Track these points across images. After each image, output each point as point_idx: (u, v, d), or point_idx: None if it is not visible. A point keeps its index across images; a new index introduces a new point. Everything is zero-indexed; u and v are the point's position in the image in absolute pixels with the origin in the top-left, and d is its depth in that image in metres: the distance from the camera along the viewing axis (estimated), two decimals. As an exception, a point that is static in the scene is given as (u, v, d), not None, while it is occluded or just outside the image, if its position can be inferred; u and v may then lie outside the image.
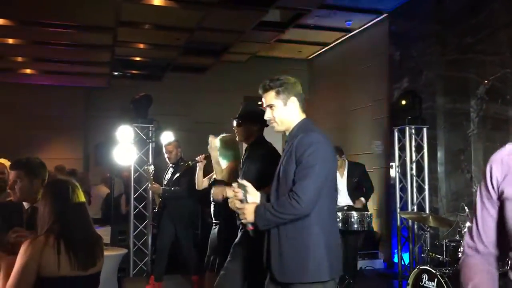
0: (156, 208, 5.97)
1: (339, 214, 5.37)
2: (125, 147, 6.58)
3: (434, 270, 3.87)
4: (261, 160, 3.20)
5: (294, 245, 2.31)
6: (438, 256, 4.26)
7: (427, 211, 5.82)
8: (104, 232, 6.43)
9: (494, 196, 1.38)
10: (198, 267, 5.58)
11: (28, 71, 8.10)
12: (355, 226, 5.31)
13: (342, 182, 5.96)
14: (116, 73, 8.48)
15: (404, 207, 6.23)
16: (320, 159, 2.31)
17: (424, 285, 3.96)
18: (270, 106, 2.44)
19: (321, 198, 2.30)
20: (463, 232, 4.04)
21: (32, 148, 8.59)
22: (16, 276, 2.19)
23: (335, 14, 7.52)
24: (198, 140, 7.97)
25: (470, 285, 1.42)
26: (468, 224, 3.96)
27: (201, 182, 4.45)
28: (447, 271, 3.90)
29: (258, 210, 2.35)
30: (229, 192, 2.49)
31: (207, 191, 4.34)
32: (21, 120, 8.95)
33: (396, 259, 6.63)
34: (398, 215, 6.20)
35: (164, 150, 5.79)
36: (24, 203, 2.91)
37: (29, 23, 5.92)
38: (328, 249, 2.32)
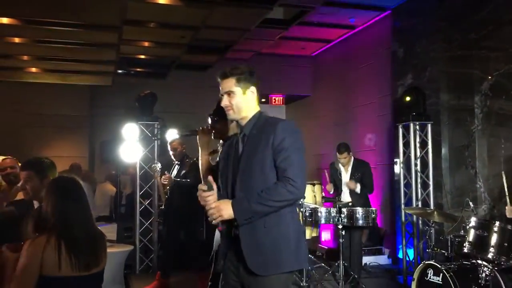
0: (163, 205, 6.01)
1: (344, 210, 5.41)
2: (130, 145, 6.63)
3: (440, 265, 3.91)
4: None
5: (273, 235, 2.28)
6: (443, 251, 4.29)
7: (432, 207, 5.85)
8: (111, 229, 6.48)
9: None
10: (204, 263, 5.62)
11: (33, 69, 8.14)
12: (360, 222, 5.35)
13: (346, 178, 6.01)
14: (120, 71, 8.51)
15: (408, 203, 6.26)
16: (302, 146, 2.35)
17: (430, 280, 3.99)
18: (229, 93, 2.39)
19: None
20: (467, 227, 4.07)
21: (37, 146, 8.67)
22: (18, 275, 2.21)
23: (339, 11, 7.54)
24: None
25: None
26: (473, 218, 3.99)
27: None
28: (453, 266, 3.93)
29: (237, 204, 2.27)
30: (199, 192, 2.39)
31: None
32: (26, 119, 9.01)
33: (400, 255, 6.65)
34: (403, 211, 6.22)
35: (169, 148, 5.83)
36: (34, 202, 2.97)
37: (34, 22, 5.95)
38: (302, 236, 2.40)
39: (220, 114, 3.23)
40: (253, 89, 2.43)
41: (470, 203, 4.09)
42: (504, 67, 5.69)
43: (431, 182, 6.18)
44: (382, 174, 7.57)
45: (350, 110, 8.81)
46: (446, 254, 4.21)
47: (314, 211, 5.56)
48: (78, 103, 9.39)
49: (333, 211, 5.41)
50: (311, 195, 6.43)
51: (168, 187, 5.78)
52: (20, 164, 3.48)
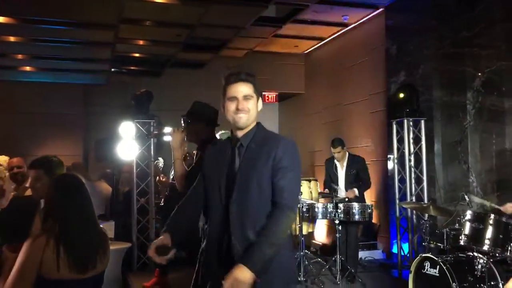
0: (162, 202, 6.05)
1: (341, 205, 5.50)
2: (127, 143, 6.66)
3: (436, 258, 4.00)
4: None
5: (282, 252, 2.21)
6: (439, 244, 4.39)
7: (426, 202, 5.96)
8: (108, 227, 6.50)
9: None
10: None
11: (27, 68, 8.13)
12: (357, 217, 5.45)
13: (342, 173, 6.10)
14: (115, 70, 8.52)
15: (402, 198, 6.37)
16: (300, 167, 2.31)
17: (427, 272, 4.09)
18: (248, 97, 2.24)
19: None
20: (463, 220, 4.18)
21: (32, 145, 8.65)
22: (15, 274, 2.19)
23: (332, 9, 7.62)
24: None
25: None
26: (469, 211, 4.10)
27: None
28: (449, 258, 4.03)
29: (251, 262, 2.04)
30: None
31: None
32: (20, 117, 8.98)
33: (394, 250, 6.77)
34: (397, 206, 6.33)
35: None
36: (42, 201, 2.99)
37: (30, 21, 5.96)
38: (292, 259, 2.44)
39: (194, 116, 3.27)
40: (260, 101, 2.33)
41: (466, 197, 4.20)
42: (495, 64, 5.80)
43: (424, 177, 6.29)
44: (376, 170, 7.67)
45: (343, 107, 8.91)
46: (442, 247, 4.31)
47: (311, 207, 5.65)
48: (72, 102, 9.37)
49: (330, 206, 5.50)
50: (307, 191, 6.50)
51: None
52: (28, 167, 3.50)
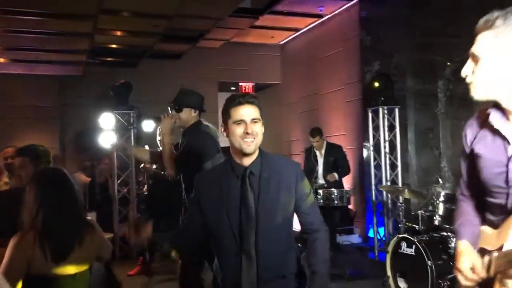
0: (145, 191, 6.10)
1: (320, 191, 5.69)
2: (107, 134, 6.68)
3: (412, 238, 4.22)
4: (197, 147, 3.18)
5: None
6: (414, 225, 4.62)
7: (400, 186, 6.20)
8: (90, 218, 6.53)
9: (471, 154, 1.67)
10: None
11: (1, 60, 7.99)
12: (336, 202, 5.65)
13: (320, 161, 6.29)
14: (92, 61, 8.46)
15: (378, 184, 6.60)
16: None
17: (403, 252, 4.31)
18: (257, 120, 2.07)
19: None
20: (436, 202, 4.41)
21: (7, 137, 8.50)
22: (2, 272, 2.13)
23: (308, 1, 7.76)
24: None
25: (457, 222, 1.75)
26: (443, 192, 4.33)
27: None
28: (424, 238, 4.26)
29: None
30: None
31: None
32: (-6, 110, 8.84)
33: (371, 234, 7.02)
34: (373, 191, 6.56)
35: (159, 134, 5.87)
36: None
37: (5, 11, 5.88)
38: None
39: (181, 102, 3.32)
40: (263, 126, 2.15)
41: (440, 180, 4.42)
42: (465, 53, 6.03)
43: (399, 163, 6.53)
44: (352, 158, 7.89)
45: (320, 96, 9.09)
46: (417, 228, 4.54)
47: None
48: (47, 93, 9.26)
49: (310, 192, 5.67)
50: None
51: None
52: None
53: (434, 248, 4.09)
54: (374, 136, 6.73)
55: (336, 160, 6.34)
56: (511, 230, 1.45)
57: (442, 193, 4.33)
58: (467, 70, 1.57)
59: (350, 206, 7.37)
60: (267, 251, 2.06)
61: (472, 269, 1.51)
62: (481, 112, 1.64)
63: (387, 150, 6.61)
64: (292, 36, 9.90)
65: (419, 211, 4.62)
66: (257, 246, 2.05)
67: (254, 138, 2.05)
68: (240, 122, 2.05)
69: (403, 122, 6.62)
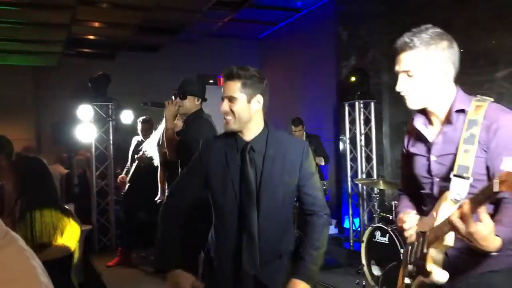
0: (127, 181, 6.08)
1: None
2: (85, 126, 6.66)
3: (386, 227, 4.38)
4: (198, 129, 3.29)
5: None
6: (388, 215, 4.78)
7: (375, 178, 6.38)
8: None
9: (406, 155, 1.96)
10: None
11: (-26, 50, 7.86)
12: (313, 193, 5.76)
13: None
14: (68, 52, 8.37)
15: (354, 176, 6.78)
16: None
17: (378, 240, 4.47)
18: (230, 98, 2.04)
19: None
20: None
21: (-19, 129, 8.39)
22: None
23: (286, -6, 7.85)
24: (152, 119, 8.14)
25: (398, 208, 2.05)
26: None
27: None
28: (397, 227, 4.42)
29: (307, 277, 2.05)
30: None
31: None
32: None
33: (346, 225, 7.19)
34: (349, 183, 6.73)
35: (140, 128, 5.86)
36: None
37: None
38: None
39: (185, 91, 3.44)
40: (259, 98, 2.08)
41: (400, 185, 4.57)
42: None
43: (374, 156, 6.71)
44: (328, 150, 8.02)
45: (297, 90, 9.21)
46: (391, 217, 4.70)
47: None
48: (21, 84, 9.10)
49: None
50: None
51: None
52: None
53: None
54: (350, 130, 6.89)
55: (316, 150, 6.47)
56: (438, 211, 1.67)
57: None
58: (401, 87, 1.79)
59: (326, 198, 7.52)
60: (268, 231, 2.06)
61: (406, 217, 1.83)
62: (411, 120, 1.91)
63: (363, 143, 6.78)
64: (271, 30, 9.97)
65: (393, 202, 4.78)
66: (259, 225, 2.04)
67: (231, 117, 2.03)
68: (222, 99, 2.06)
69: (378, 116, 6.80)
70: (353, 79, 6.63)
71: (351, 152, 6.87)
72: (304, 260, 2.07)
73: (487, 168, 1.66)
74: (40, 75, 9.25)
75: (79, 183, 8.36)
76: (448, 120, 1.75)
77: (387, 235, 4.35)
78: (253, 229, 2.04)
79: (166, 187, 4.64)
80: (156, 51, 9.30)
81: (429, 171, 1.80)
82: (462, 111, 1.72)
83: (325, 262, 5.45)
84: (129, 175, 5.73)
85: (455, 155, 1.68)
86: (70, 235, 2.42)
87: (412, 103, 1.79)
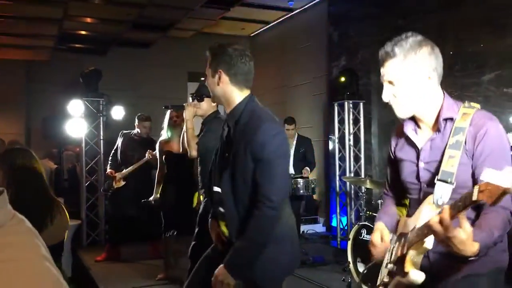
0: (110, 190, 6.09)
1: (286, 181, 5.87)
2: (75, 121, 6.67)
3: (372, 225, 4.45)
4: (216, 135, 3.35)
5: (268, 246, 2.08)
6: (374, 214, 4.86)
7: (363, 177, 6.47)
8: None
9: (393, 158, 1.97)
10: (154, 234, 5.91)
11: (-35, 43, 7.82)
12: (301, 191, 5.85)
13: (291, 151, 6.48)
14: (60, 47, 8.36)
15: (342, 175, 6.85)
16: (282, 153, 2.09)
17: (363, 238, 4.55)
18: (204, 75, 2.21)
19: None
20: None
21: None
22: None
23: (278, -6, 7.91)
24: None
25: (380, 213, 2.05)
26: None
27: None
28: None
29: (233, 267, 2.03)
30: None
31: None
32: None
33: (334, 223, 7.28)
34: (337, 182, 6.82)
35: (141, 125, 5.78)
36: None
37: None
38: (293, 240, 2.21)
39: (202, 94, 3.58)
40: (221, 72, 2.10)
41: (385, 187, 4.66)
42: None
43: (362, 156, 6.80)
44: (318, 150, 8.12)
45: (288, 89, 9.28)
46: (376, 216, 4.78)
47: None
48: (12, 79, 9.07)
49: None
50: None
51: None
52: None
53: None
54: (339, 129, 6.97)
55: (305, 152, 6.54)
56: (421, 214, 1.71)
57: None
58: (386, 96, 1.80)
59: (315, 197, 7.62)
60: (229, 205, 2.08)
61: (381, 239, 1.83)
62: (400, 124, 1.93)
63: (352, 142, 6.87)
64: (262, 29, 10.03)
65: (379, 200, 4.87)
66: (223, 203, 2.11)
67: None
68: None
69: (367, 116, 6.89)
70: (342, 79, 6.71)
71: (339, 151, 6.95)
72: (234, 247, 2.06)
73: (473, 174, 1.68)
74: (32, 70, 9.22)
75: (68, 178, 8.37)
76: (436, 128, 1.77)
77: (373, 233, 4.43)
78: (213, 197, 2.22)
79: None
80: (148, 47, 9.32)
81: (418, 177, 1.81)
82: (450, 119, 1.73)
83: (312, 259, 5.60)
84: (125, 171, 5.73)
85: (440, 160, 1.71)
86: (60, 223, 2.48)
87: (399, 112, 1.80)
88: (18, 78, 9.15)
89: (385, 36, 6.79)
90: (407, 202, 2.02)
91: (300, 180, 5.87)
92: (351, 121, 6.85)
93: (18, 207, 2.14)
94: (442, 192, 1.65)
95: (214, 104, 3.57)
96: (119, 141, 5.86)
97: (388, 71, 1.77)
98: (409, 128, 1.85)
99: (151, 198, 4.81)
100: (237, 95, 2.14)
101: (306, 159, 6.51)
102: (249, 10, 8.58)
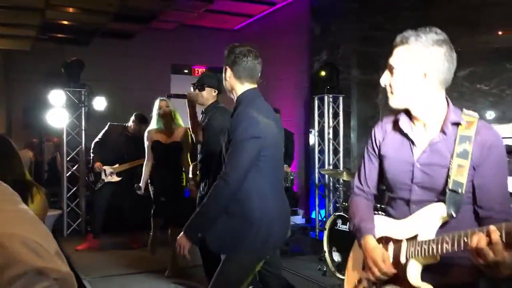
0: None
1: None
2: (57, 111, 6.67)
3: (347, 215, 4.59)
4: (220, 116, 3.62)
5: (235, 219, 2.37)
6: (350, 205, 4.99)
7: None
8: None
9: (376, 152, 1.87)
10: (136, 226, 5.99)
11: None
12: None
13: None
14: (41, 37, 8.30)
15: (321, 168, 6.98)
16: (247, 135, 2.33)
17: (339, 228, 4.68)
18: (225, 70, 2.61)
19: (257, 172, 2.35)
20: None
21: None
22: None
23: (262, -12, 7.96)
24: (124, 106, 8.19)
25: (356, 219, 1.87)
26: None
27: None
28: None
29: (187, 231, 2.38)
30: None
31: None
32: None
33: (313, 215, 7.42)
34: (317, 174, 6.95)
35: (137, 126, 5.72)
36: None
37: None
38: (270, 222, 2.38)
39: (204, 83, 3.73)
40: (228, 69, 2.54)
41: (357, 183, 4.79)
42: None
43: (341, 149, 6.94)
44: (298, 143, 8.24)
45: (270, 83, 9.35)
46: (352, 207, 4.91)
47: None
48: (-8, 68, 9.01)
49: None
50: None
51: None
52: None
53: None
54: (319, 123, 7.09)
55: (287, 145, 6.63)
56: (425, 222, 1.64)
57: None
58: (384, 80, 1.76)
59: (295, 189, 7.74)
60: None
61: (384, 261, 1.67)
62: (388, 117, 1.87)
63: (331, 136, 7.00)
64: (246, 22, 10.08)
65: (356, 192, 5.00)
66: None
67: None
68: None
69: (346, 110, 7.02)
70: (323, 73, 6.82)
71: (319, 144, 7.08)
72: (192, 216, 2.42)
73: (473, 187, 1.65)
74: (12, 59, 9.13)
75: (49, 169, 8.35)
76: (442, 131, 1.68)
77: (348, 223, 4.56)
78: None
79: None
80: (131, 38, 9.30)
81: (412, 178, 1.72)
82: (457, 124, 1.67)
83: (290, 250, 5.69)
84: (119, 167, 5.77)
85: (447, 168, 1.64)
86: (40, 204, 2.52)
87: (391, 101, 1.75)
88: (-2, 67, 9.07)
89: (365, 32, 6.97)
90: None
91: (279, 172, 5.96)
92: (330, 115, 6.97)
93: None
94: (453, 203, 1.60)
95: (214, 94, 3.76)
96: (106, 132, 5.88)
97: (393, 56, 1.72)
98: (405, 124, 1.75)
99: (138, 190, 4.83)
100: (239, 87, 2.55)
101: (286, 152, 6.61)
102: (233, 3, 8.63)
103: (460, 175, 1.60)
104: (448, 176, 1.63)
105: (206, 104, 3.74)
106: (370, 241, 1.74)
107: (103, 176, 5.82)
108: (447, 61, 1.66)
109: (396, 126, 1.79)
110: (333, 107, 6.97)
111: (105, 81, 8.93)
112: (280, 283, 3.02)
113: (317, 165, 7.05)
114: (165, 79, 10.04)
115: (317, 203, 7.03)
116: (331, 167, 6.90)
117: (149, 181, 4.87)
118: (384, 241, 1.74)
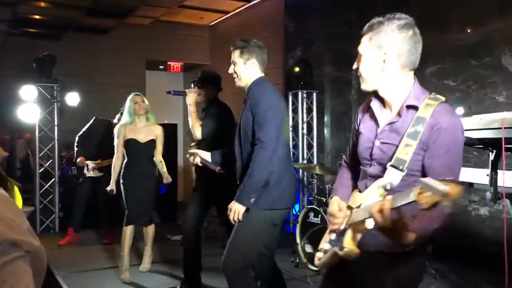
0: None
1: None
2: (28, 107, 6.59)
3: (318, 208, 4.70)
4: (218, 118, 3.79)
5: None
6: (322, 198, 5.10)
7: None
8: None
9: (357, 129, 2.03)
10: (113, 221, 5.97)
11: None
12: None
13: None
14: (12, 31, 8.16)
15: (296, 162, 7.08)
16: (272, 105, 2.78)
17: (311, 221, 4.78)
18: (233, 62, 2.96)
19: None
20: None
21: None
22: None
23: (237, -16, 7.99)
24: (99, 102, 8.13)
25: (334, 185, 2.14)
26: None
27: None
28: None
29: (240, 196, 2.76)
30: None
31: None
32: None
33: (288, 209, 7.51)
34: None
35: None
36: None
37: None
38: (286, 183, 2.87)
39: (204, 81, 3.86)
40: (254, 60, 2.93)
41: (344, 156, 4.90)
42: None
43: (315, 144, 7.05)
44: (273, 138, 8.34)
45: (245, 79, 9.41)
46: (324, 200, 5.02)
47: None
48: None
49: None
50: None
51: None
52: None
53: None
54: (293, 118, 7.18)
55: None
56: (368, 194, 1.79)
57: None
58: (355, 65, 1.90)
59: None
60: (237, 160, 2.98)
61: (339, 211, 1.86)
62: (368, 98, 2.01)
63: (305, 131, 7.10)
64: (221, 18, 10.10)
65: (327, 185, 5.11)
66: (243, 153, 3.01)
67: (235, 78, 3.00)
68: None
69: (320, 106, 7.13)
70: (297, 69, 6.91)
71: (293, 139, 7.17)
72: (241, 184, 2.79)
73: (423, 166, 1.73)
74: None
75: (21, 167, 8.23)
76: (398, 113, 1.80)
77: (319, 215, 4.67)
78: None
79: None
80: (105, 34, 9.21)
81: (371, 154, 1.86)
82: (413, 107, 1.76)
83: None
84: (102, 162, 5.74)
85: (396, 146, 1.75)
86: (16, 198, 2.52)
87: (362, 85, 1.87)
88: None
89: (337, 29, 7.09)
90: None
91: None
92: (304, 110, 7.07)
93: None
94: (392, 178, 1.70)
95: (214, 92, 3.91)
96: (91, 126, 5.85)
97: (362, 41, 1.85)
98: (375, 105, 1.89)
99: (108, 188, 4.51)
100: (254, 75, 2.96)
101: None
102: (208, -1, 8.65)
103: (404, 154, 1.71)
104: (394, 153, 1.75)
105: (206, 102, 3.86)
106: (333, 200, 1.94)
107: (85, 171, 5.80)
108: (408, 44, 1.76)
109: (369, 107, 1.94)
110: (307, 103, 7.08)
111: (79, 76, 8.83)
112: (272, 265, 3.40)
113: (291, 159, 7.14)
114: (140, 74, 9.97)
115: (291, 198, 7.12)
116: (305, 162, 7.01)
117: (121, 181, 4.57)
118: (347, 209, 1.88)
